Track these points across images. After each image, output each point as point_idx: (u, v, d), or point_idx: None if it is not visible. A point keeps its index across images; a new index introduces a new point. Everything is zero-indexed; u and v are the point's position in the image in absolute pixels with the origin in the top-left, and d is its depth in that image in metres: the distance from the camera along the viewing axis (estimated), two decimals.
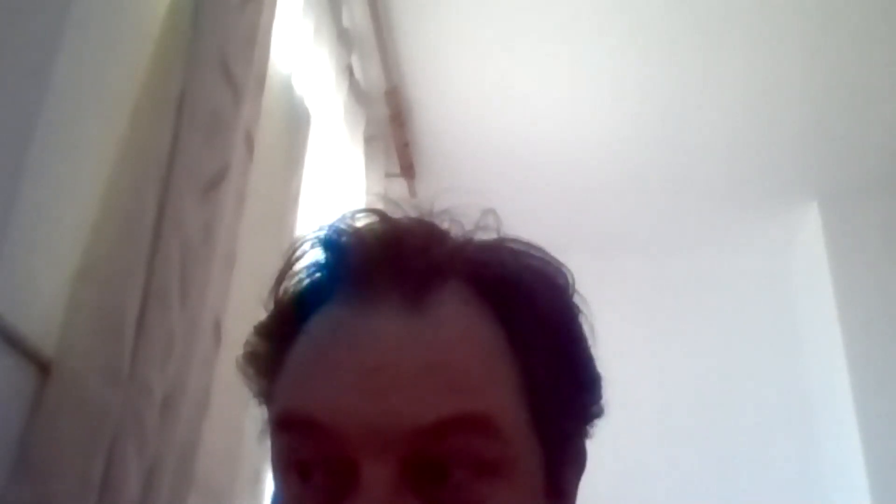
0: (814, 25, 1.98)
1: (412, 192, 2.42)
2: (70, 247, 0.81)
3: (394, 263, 0.45)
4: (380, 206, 0.51)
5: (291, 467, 0.44)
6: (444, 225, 0.48)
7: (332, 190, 1.68)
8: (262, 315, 0.51)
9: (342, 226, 0.48)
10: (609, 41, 2.06)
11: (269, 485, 1.14)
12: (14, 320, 0.71)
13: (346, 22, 1.85)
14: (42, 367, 0.76)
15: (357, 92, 1.97)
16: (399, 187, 2.38)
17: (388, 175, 2.30)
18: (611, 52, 2.10)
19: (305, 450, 0.43)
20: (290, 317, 0.48)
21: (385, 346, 0.43)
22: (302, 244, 0.50)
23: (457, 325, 0.45)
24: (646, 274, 2.82)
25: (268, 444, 0.51)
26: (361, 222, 0.48)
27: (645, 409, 2.57)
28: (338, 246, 0.47)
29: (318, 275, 0.48)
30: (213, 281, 0.93)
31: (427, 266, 0.45)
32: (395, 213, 0.49)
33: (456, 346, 0.44)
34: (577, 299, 0.50)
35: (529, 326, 0.46)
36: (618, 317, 2.56)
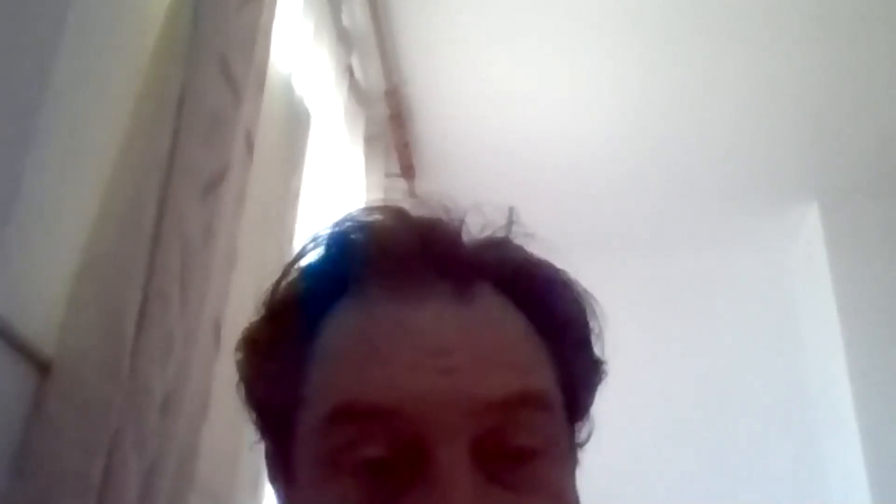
0: (814, 26, 1.98)
1: (412, 192, 2.42)
2: (70, 247, 0.81)
3: (433, 258, 0.46)
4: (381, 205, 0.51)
5: (353, 460, 0.42)
6: (454, 223, 0.49)
7: (332, 190, 1.68)
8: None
9: (360, 222, 0.48)
10: (609, 41, 2.06)
11: (268, 486, 1.14)
12: (14, 320, 0.71)
13: (345, 22, 1.85)
14: (42, 367, 0.76)
15: (357, 92, 1.97)
16: (399, 187, 2.38)
17: (388, 175, 2.30)
18: (611, 52, 2.10)
19: (371, 440, 0.42)
20: (303, 316, 0.48)
21: (446, 331, 0.44)
22: (314, 242, 0.49)
23: (501, 314, 0.47)
24: (646, 274, 2.82)
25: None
26: (377, 219, 0.49)
27: (645, 409, 2.57)
28: (362, 242, 0.47)
29: (328, 272, 0.48)
30: (213, 281, 0.93)
31: (462, 262, 0.47)
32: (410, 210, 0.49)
33: (508, 332, 0.46)
34: (579, 286, 0.51)
35: (548, 318, 0.48)
36: (617, 316, 2.55)
